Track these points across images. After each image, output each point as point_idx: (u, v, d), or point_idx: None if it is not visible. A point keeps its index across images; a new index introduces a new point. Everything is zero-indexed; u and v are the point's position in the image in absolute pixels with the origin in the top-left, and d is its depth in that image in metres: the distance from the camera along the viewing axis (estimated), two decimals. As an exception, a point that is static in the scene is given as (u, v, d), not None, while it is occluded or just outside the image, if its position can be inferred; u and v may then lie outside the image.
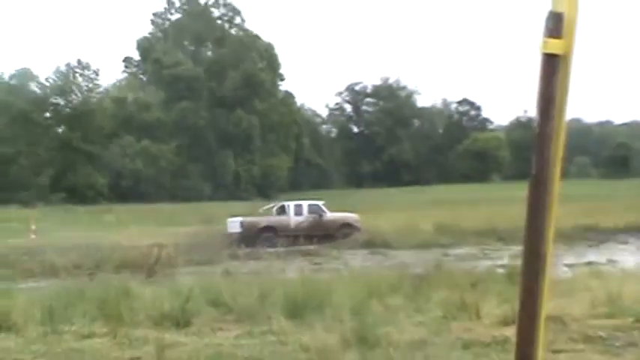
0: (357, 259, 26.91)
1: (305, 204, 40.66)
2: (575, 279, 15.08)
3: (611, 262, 21.23)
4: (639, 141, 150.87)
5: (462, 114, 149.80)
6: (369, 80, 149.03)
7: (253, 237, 37.15)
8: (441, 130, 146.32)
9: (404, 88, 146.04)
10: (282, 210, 40.36)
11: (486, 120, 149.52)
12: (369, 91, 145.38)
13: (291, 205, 40.39)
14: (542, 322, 3.14)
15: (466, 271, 17.15)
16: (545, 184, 3.07)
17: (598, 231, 36.52)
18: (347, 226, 38.91)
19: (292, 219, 39.25)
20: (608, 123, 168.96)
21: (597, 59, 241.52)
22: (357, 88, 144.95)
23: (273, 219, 39.79)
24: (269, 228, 38.58)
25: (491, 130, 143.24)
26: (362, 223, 39.37)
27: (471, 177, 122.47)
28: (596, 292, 12.23)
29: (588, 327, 10.08)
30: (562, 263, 22.24)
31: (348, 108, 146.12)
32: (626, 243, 31.47)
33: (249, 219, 39.69)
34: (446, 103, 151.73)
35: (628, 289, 12.22)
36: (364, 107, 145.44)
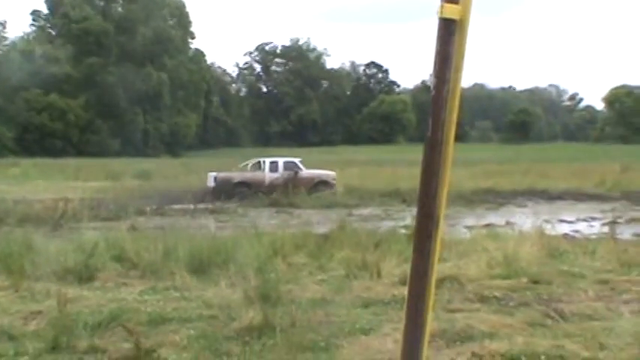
0: (263, 218, 26.88)
1: (281, 161, 40.38)
2: (474, 241, 15.34)
3: (509, 224, 21.62)
4: (540, 107, 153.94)
5: (370, 77, 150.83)
6: (279, 40, 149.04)
7: (228, 192, 37.18)
8: (348, 92, 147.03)
9: (313, 49, 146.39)
10: (258, 166, 40.27)
11: (393, 83, 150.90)
12: (278, 51, 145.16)
13: (266, 161, 40.14)
14: (433, 281, 3.21)
15: (369, 231, 17.29)
16: (439, 147, 3.12)
17: (498, 194, 37.16)
18: (322, 184, 38.90)
19: (267, 175, 39.06)
20: (510, 89, 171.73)
21: (501, 26, 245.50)
22: (267, 48, 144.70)
23: (248, 175, 39.75)
24: (243, 183, 38.60)
25: (398, 94, 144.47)
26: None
27: (377, 139, 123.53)
28: (494, 253, 12.50)
29: (484, 287, 10.33)
30: (462, 225, 22.65)
31: (258, 67, 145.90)
32: (524, 206, 32.06)
33: (222, 174, 39.66)
34: (354, 66, 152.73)
35: (524, 250, 12.55)
36: (274, 67, 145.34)
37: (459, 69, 3.12)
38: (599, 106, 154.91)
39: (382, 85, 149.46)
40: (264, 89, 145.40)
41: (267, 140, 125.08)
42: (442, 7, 3.08)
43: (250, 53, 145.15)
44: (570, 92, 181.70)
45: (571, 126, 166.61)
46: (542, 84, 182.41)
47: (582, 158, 62.50)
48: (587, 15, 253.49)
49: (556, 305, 9.09)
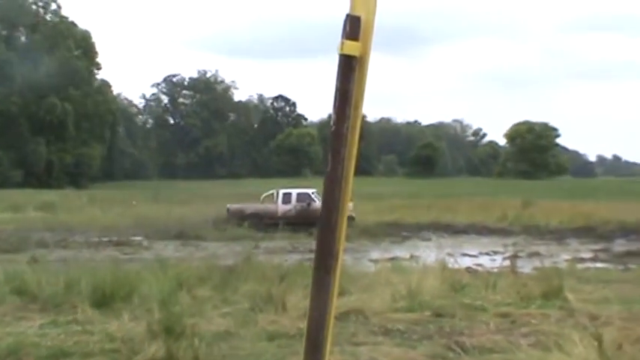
0: (168, 250, 26.62)
1: (294, 192, 39.99)
2: (378, 274, 15.46)
3: (413, 257, 21.85)
4: (444, 141, 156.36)
5: (278, 110, 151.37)
6: (187, 72, 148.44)
7: (240, 223, 36.74)
8: (256, 125, 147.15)
9: (221, 81, 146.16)
10: (272, 197, 40.01)
11: (301, 116, 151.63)
12: (186, 83, 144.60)
13: (280, 192, 39.79)
14: (331, 315, 3.22)
15: (275, 264, 17.28)
16: (339, 182, 3.14)
17: (402, 227, 37.59)
18: None
19: (280, 207, 38.81)
20: (416, 123, 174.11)
21: (407, 63, 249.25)
22: (174, 79, 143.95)
23: (260, 206, 39.42)
24: (255, 215, 38.15)
25: (305, 127, 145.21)
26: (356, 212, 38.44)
27: (284, 172, 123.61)
28: (398, 286, 12.60)
29: (388, 320, 10.39)
30: (367, 258, 22.81)
31: (165, 99, 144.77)
32: (428, 240, 32.45)
33: (235, 205, 39.53)
34: (262, 99, 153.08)
35: (427, 284, 12.68)
36: (181, 99, 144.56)
37: (358, 105, 3.15)
38: (502, 141, 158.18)
39: (290, 119, 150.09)
40: (171, 121, 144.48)
41: (173, 172, 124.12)
42: (342, 43, 3.12)
43: (157, 85, 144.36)
44: (474, 127, 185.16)
45: (475, 160, 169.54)
46: (447, 119, 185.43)
47: (485, 193, 63.64)
48: (490, 53, 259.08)
49: (458, 338, 9.20)
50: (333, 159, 3.13)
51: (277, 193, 39.78)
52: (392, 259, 22.00)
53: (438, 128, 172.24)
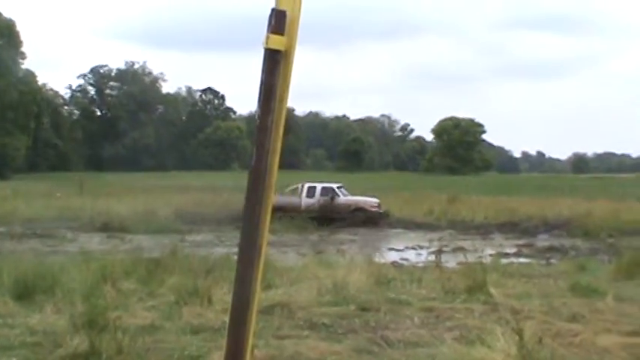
0: (93, 243, 26.32)
1: (319, 186, 40.04)
2: (305, 268, 15.49)
3: (340, 252, 21.95)
4: (372, 136, 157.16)
5: (206, 102, 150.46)
6: (114, 64, 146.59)
7: None
8: (184, 118, 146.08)
9: (149, 73, 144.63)
10: (297, 190, 39.94)
11: (229, 109, 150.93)
12: (113, 74, 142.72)
13: (305, 186, 39.80)
14: (254, 309, 3.22)
15: (201, 257, 17.22)
16: (263, 176, 3.14)
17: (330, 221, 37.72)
18: (359, 210, 38.34)
19: (303, 200, 38.90)
20: (344, 118, 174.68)
21: (338, 57, 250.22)
22: (101, 70, 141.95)
23: (285, 199, 38.76)
24: (279, 208, 37.06)
25: (234, 120, 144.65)
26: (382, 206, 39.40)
27: (212, 165, 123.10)
28: (324, 280, 12.65)
29: (314, 314, 10.41)
30: (294, 252, 22.85)
31: (92, 90, 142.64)
32: (355, 234, 32.68)
33: None
34: (190, 91, 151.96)
35: (353, 278, 12.73)
36: (108, 90, 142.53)
37: (283, 99, 3.15)
38: (429, 137, 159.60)
39: (218, 112, 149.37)
40: (98, 112, 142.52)
41: (99, 164, 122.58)
42: (268, 37, 3.11)
43: (84, 76, 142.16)
44: (402, 123, 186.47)
45: (402, 155, 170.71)
46: (375, 114, 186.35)
47: (412, 188, 64.08)
48: (419, 49, 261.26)
49: (383, 332, 9.25)
50: (257, 152, 3.12)
51: (302, 187, 39.90)
52: (319, 253, 22.04)
53: (366, 123, 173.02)
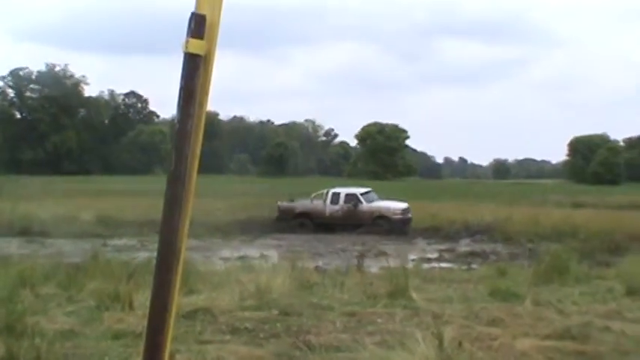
0: (11, 247, 25.84)
1: (343, 192, 39.25)
2: (228, 272, 15.46)
3: (263, 256, 21.94)
4: (296, 141, 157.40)
5: (129, 106, 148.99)
6: (35, 66, 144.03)
7: (290, 221, 37.28)
8: (107, 121, 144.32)
9: (71, 76, 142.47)
10: (321, 197, 39.34)
11: (153, 113, 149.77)
12: (33, 77, 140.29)
13: (330, 192, 39.14)
14: (172, 314, 3.21)
15: (123, 261, 17.05)
16: (182, 180, 3.12)
17: (254, 226, 37.66)
18: (382, 218, 37.50)
19: (328, 207, 38.26)
20: (268, 123, 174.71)
21: (261, 62, 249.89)
22: (21, 73, 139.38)
23: (310, 205, 38.94)
24: (304, 214, 38.05)
25: (157, 124, 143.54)
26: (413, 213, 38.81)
27: (135, 169, 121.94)
28: (247, 285, 12.60)
29: (236, 319, 10.37)
30: (217, 257, 22.76)
31: (11, 93, 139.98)
32: (280, 239, 32.68)
33: (285, 204, 39.29)
34: (113, 95, 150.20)
35: (276, 282, 12.71)
36: (28, 93, 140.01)
37: (203, 104, 3.14)
38: (353, 142, 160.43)
39: (141, 115, 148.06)
40: (18, 115, 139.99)
41: (19, 168, 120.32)
42: (187, 42, 3.10)
43: (3, 78, 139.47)
44: (326, 128, 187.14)
45: (326, 160, 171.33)
46: (300, 119, 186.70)
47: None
48: (344, 55, 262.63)
49: (304, 337, 9.26)
50: (176, 157, 3.11)
51: (327, 193, 39.37)
52: (242, 257, 22.01)
53: (290, 128, 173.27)
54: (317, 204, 39.05)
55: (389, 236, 34.51)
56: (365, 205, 38.25)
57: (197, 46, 3.09)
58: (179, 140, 3.11)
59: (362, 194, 39.39)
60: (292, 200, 40.32)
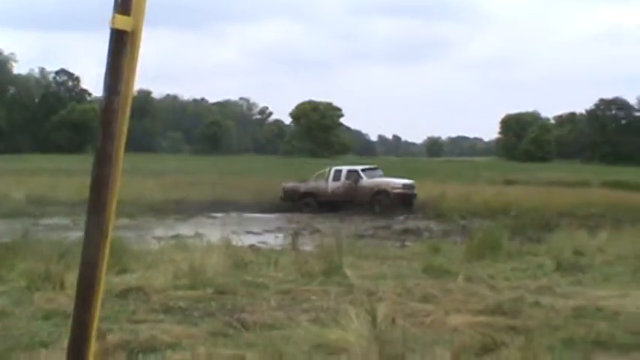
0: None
1: (345, 169, 39.07)
2: (162, 251, 15.36)
3: (197, 235, 21.79)
4: (231, 119, 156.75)
5: (60, 84, 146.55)
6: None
7: (296, 201, 37.39)
8: (37, 100, 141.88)
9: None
10: (323, 175, 39.27)
11: (85, 91, 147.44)
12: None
13: (332, 169, 38.99)
14: (100, 293, 3.16)
15: (54, 241, 16.81)
16: (109, 159, 3.07)
17: (188, 205, 37.46)
18: (381, 193, 37.16)
19: (330, 184, 37.97)
20: (203, 101, 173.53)
21: (192, 40, 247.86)
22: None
23: (313, 184, 38.80)
24: (309, 193, 37.92)
25: (90, 102, 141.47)
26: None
27: (67, 147, 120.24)
28: (181, 264, 12.55)
29: (170, 298, 10.33)
30: (150, 236, 22.57)
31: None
32: (214, 217, 32.55)
33: (290, 184, 39.26)
34: (44, 73, 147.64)
35: (210, 261, 12.68)
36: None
37: (130, 81, 3.09)
38: (288, 120, 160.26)
39: (73, 93, 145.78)
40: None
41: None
42: (114, 17, 3.04)
43: None
44: (261, 106, 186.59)
45: (261, 139, 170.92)
46: (234, 97, 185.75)
47: (270, 171, 64.23)
48: (278, 33, 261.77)
49: (239, 315, 9.26)
50: (103, 135, 3.05)
51: (329, 171, 39.18)
52: (176, 236, 21.83)
53: (224, 106, 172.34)
54: (320, 183, 39.05)
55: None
56: (365, 181, 38.18)
57: (123, 22, 3.03)
58: (106, 118, 3.06)
59: (363, 170, 39.39)
60: (303, 181, 40.37)
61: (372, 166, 41.69)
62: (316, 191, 38.41)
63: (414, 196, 38.39)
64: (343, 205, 36.56)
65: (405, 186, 38.41)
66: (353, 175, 38.44)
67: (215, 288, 11.07)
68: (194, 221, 30.86)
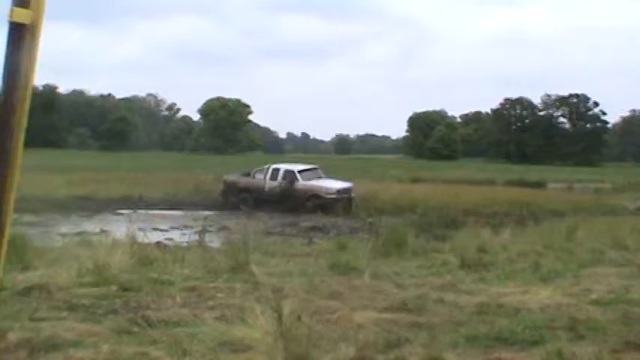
0: None
1: (283, 168, 37.77)
2: (66, 248, 15.12)
3: (103, 232, 21.51)
4: (138, 115, 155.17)
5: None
6: None
7: (234, 195, 36.48)
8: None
9: None
10: (263, 172, 38.11)
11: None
12: None
13: (270, 167, 37.78)
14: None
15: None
16: (7, 154, 3.01)
17: (94, 201, 36.93)
18: (315, 198, 35.95)
19: (267, 183, 36.98)
20: (110, 96, 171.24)
21: (99, 35, 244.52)
22: None
23: (252, 180, 37.55)
24: (245, 189, 36.96)
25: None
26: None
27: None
28: (85, 261, 12.34)
29: (73, 295, 10.16)
30: (55, 232, 22.19)
31: None
32: (120, 214, 32.13)
33: (231, 177, 38.45)
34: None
35: (115, 258, 12.50)
36: None
37: (29, 75, 3.04)
38: (196, 116, 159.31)
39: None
40: None
41: None
42: (12, 10, 2.98)
43: None
44: (169, 102, 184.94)
45: (168, 136, 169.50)
46: (142, 93, 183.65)
47: (178, 167, 63.80)
48: (186, 29, 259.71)
49: (144, 312, 9.17)
50: (1, 131, 2.99)
51: (268, 168, 38.11)
52: (81, 233, 21.52)
53: (132, 102, 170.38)
54: (259, 179, 37.97)
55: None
56: (300, 183, 37.21)
57: (22, 15, 2.98)
58: (4, 113, 3.00)
59: (300, 171, 38.29)
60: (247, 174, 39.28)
61: (311, 167, 40.64)
62: (253, 188, 37.46)
63: (351, 199, 37.21)
64: (280, 205, 35.47)
65: (340, 191, 37.51)
66: (289, 175, 37.61)
67: (120, 285, 10.92)
68: (100, 218, 30.44)
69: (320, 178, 38.98)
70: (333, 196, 36.51)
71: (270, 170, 38.09)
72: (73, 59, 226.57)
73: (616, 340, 8.31)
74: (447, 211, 30.99)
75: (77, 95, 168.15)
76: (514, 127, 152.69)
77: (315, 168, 40.65)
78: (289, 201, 35.94)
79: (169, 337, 8.02)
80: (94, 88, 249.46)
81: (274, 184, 37.31)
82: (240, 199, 36.31)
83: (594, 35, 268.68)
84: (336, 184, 38.23)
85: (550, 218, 30.86)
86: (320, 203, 35.55)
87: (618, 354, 7.81)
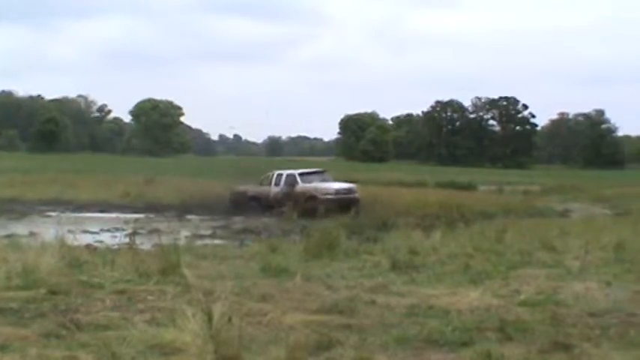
0: None
1: (285, 173, 37.48)
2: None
3: (32, 234, 21.20)
4: (68, 117, 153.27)
5: None
6: None
7: (242, 205, 36.10)
8: None
9: None
10: (267, 179, 38.02)
11: None
12: None
13: (275, 174, 37.68)
14: None
15: None
16: None
17: (23, 203, 36.41)
18: (311, 199, 35.53)
19: (272, 189, 36.82)
20: (39, 97, 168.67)
21: (28, 35, 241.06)
22: None
23: (258, 189, 37.51)
24: (255, 198, 36.94)
25: None
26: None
27: None
28: (13, 264, 12.19)
29: (0, 299, 10.05)
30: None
31: None
32: (49, 216, 31.68)
33: (237, 188, 38.17)
34: None
35: (44, 261, 12.35)
36: None
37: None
38: (128, 118, 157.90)
39: None
40: None
41: None
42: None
43: None
44: (99, 103, 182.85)
45: (99, 137, 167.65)
46: (72, 94, 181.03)
47: (109, 170, 63.25)
48: (116, 30, 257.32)
49: (72, 316, 9.11)
50: None
51: (272, 175, 37.94)
52: (9, 236, 21.15)
53: (62, 103, 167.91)
54: (264, 187, 37.97)
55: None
56: (300, 186, 37.00)
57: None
58: None
59: (300, 174, 38.06)
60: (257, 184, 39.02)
61: (313, 170, 40.59)
62: (260, 196, 37.50)
63: (351, 200, 36.44)
64: (283, 210, 34.81)
65: (338, 191, 36.97)
66: (290, 179, 37.55)
67: (48, 288, 10.82)
68: (29, 220, 29.98)
69: (325, 180, 38.76)
70: (330, 197, 36.12)
71: (275, 176, 38.24)
72: (0, 60, 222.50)
73: (544, 340, 8.48)
74: (378, 212, 31.15)
75: (5, 96, 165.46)
76: (445, 129, 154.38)
77: (322, 171, 40.82)
78: (291, 204, 35.30)
79: (99, 340, 7.98)
80: (23, 89, 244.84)
81: (277, 189, 37.42)
82: (249, 207, 36.30)
83: (524, 38, 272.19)
84: (334, 185, 38.09)
85: (480, 220, 31.21)
86: (316, 204, 35.21)
87: (546, 354, 7.98)
